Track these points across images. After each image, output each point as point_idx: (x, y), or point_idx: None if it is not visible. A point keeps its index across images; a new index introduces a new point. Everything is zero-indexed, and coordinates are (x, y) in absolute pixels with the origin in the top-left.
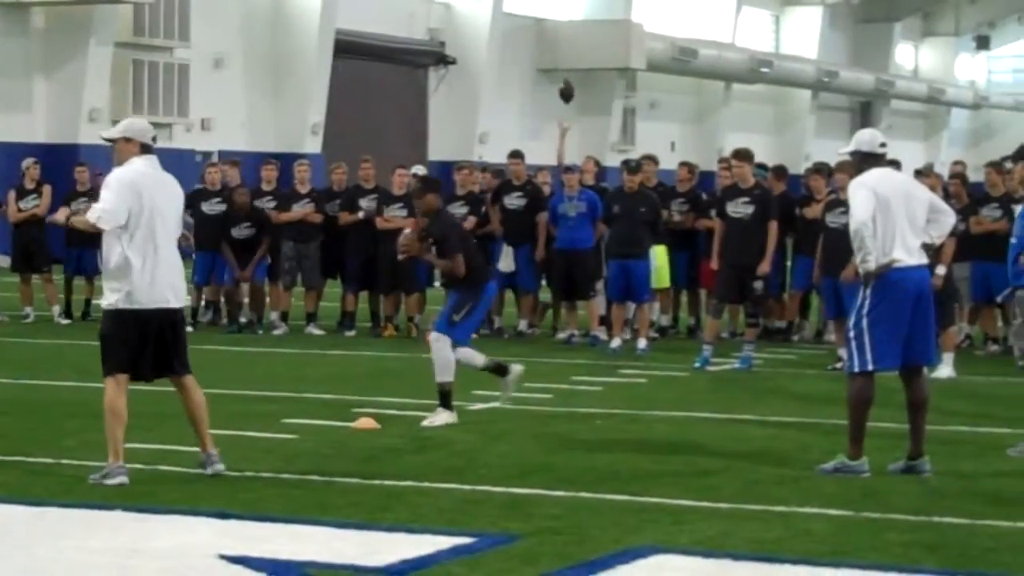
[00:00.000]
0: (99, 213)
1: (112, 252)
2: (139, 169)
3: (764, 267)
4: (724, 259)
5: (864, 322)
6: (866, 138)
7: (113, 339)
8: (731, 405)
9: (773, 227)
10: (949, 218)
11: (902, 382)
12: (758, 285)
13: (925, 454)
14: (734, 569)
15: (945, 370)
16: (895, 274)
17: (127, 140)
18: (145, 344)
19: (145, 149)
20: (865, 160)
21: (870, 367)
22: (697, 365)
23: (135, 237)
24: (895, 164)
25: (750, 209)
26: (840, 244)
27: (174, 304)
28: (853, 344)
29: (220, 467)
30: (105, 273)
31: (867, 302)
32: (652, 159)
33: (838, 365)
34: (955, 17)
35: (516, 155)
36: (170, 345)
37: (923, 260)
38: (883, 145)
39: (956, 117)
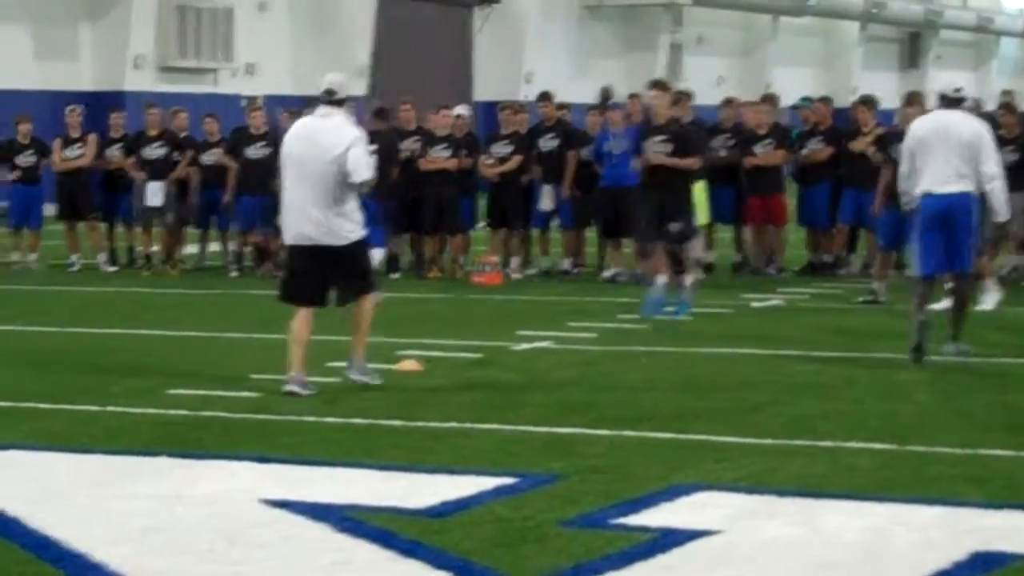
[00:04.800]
0: (370, 169)
1: (352, 195)
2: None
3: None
4: (643, 200)
5: (914, 239)
6: (944, 83)
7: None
8: (776, 341)
9: (692, 163)
10: (986, 167)
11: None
12: (674, 226)
13: (962, 338)
14: (779, 505)
15: (990, 301)
16: (925, 200)
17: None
18: (302, 273)
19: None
20: (943, 102)
21: (918, 272)
22: (643, 312)
23: None
24: (957, 103)
25: (668, 148)
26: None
27: None
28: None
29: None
30: (351, 210)
31: (915, 225)
32: (685, 94)
33: (869, 298)
34: None
35: (544, 97)
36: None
37: (958, 187)
38: (958, 90)
39: (1006, 46)
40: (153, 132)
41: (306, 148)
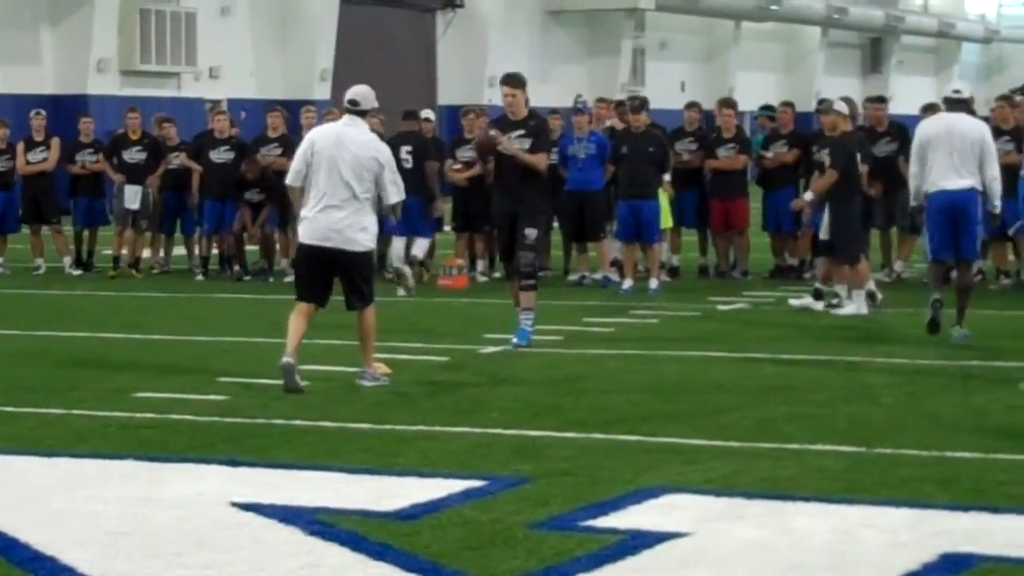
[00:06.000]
0: (402, 192)
1: (371, 207)
2: (315, 130)
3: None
4: (497, 214)
5: (926, 228)
6: (946, 87)
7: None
8: (743, 344)
9: (542, 160)
10: (989, 166)
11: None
12: (530, 233)
13: (964, 325)
14: (747, 507)
15: (849, 306)
16: (932, 195)
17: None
18: (316, 275)
19: (349, 111)
20: (947, 104)
21: (929, 258)
22: (516, 341)
23: None
24: (961, 104)
25: (525, 143)
26: (889, 171)
27: None
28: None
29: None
30: (370, 222)
31: (927, 216)
32: (642, 99)
33: (834, 302)
34: None
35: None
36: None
37: (964, 183)
38: (957, 91)
39: (967, 51)
40: (134, 136)
41: (339, 152)
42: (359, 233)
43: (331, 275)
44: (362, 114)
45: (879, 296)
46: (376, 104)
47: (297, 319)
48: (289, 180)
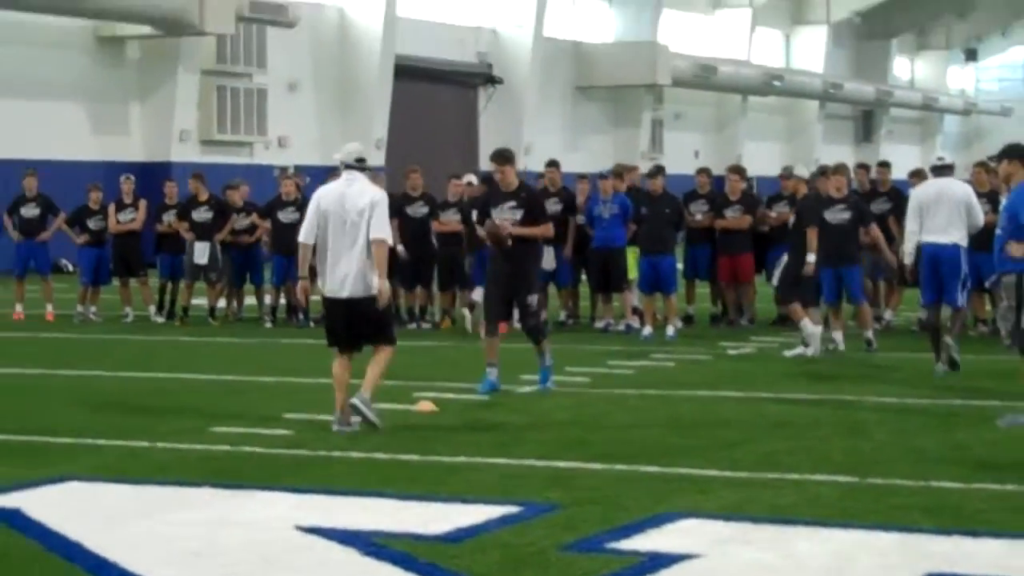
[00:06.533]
0: (389, 236)
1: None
2: (321, 188)
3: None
4: (491, 275)
5: (920, 276)
6: (933, 157)
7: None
8: (750, 385)
9: (547, 229)
10: (975, 219)
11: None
12: (532, 300)
13: (943, 361)
14: (753, 531)
15: (798, 348)
16: (924, 247)
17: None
18: (340, 322)
19: (345, 168)
20: (935, 172)
21: (923, 302)
22: (482, 389)
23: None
24: (947, 169)
25: (517, 215)
26: (838, 238)
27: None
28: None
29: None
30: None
31: (921, 266)
32: (660, 168)
33: (830, 347)
34: (946, 33)
35: (552, 164)
36: (359, 323)
37: (949, 239)
38: (940, 159)
39: (948, 122)
40: (202, 198)
41: (340, 208)
42: (372, 278)
43: (352, 321)
44: (363, 168)
45: (840, 344)
46: (372, 162)
47: (338, 371)
48: (302, 238)
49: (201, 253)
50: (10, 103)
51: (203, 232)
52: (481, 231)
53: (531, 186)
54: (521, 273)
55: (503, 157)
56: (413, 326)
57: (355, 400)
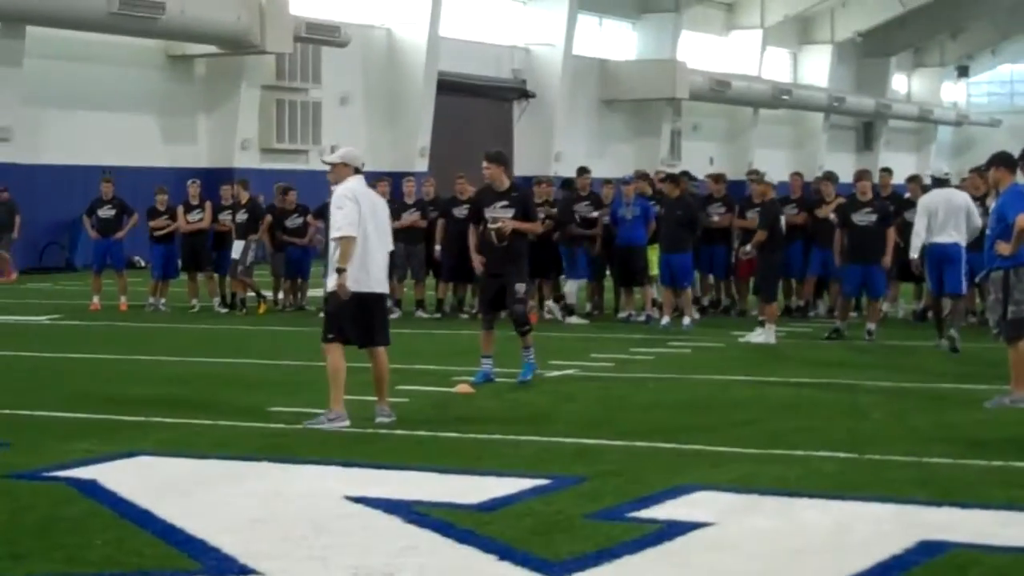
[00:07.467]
0: (343, 229)
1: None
2: (353, 186)
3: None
4: (486, 268)
5: (926, 271)
6: (934, 168)
7: (338, 314)
8: (760, 370)
9: (537, 226)
10: (975, 223)
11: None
12: (520, 288)
13: (944, 337)
14: (761, 502)
15: (759, 336)
16: (929, 247)
17: (344, 164)
18: (358, 317)
19: (357, 171)
20: (935, 182)
21: (932, 293)
22: (476, 380)
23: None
24: (947, 182)
25: (508, 213)
26: (865, 238)
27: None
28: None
29: (384, 420)
30: (331, 264)
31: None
32: (686, 174)
33: (834, 335)
34: (940, 51)
35: (583, 171)
36: (375, 320)
37: (951, 239)
38: (947, 174)
39: (942, 133)
40: (243, 201)
41: (375, 209)
42: (384, 275)
43: (367, 315)
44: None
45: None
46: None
47: (338, 363)
48: (351, 232)
49: (236, 249)
50: (90, 115)
51: (240, 232)
52: (489, 233)
53: (523, 187)
54: (510, 266)
55: (495, 158)
56: (437, 316)
57: (384, 419)
